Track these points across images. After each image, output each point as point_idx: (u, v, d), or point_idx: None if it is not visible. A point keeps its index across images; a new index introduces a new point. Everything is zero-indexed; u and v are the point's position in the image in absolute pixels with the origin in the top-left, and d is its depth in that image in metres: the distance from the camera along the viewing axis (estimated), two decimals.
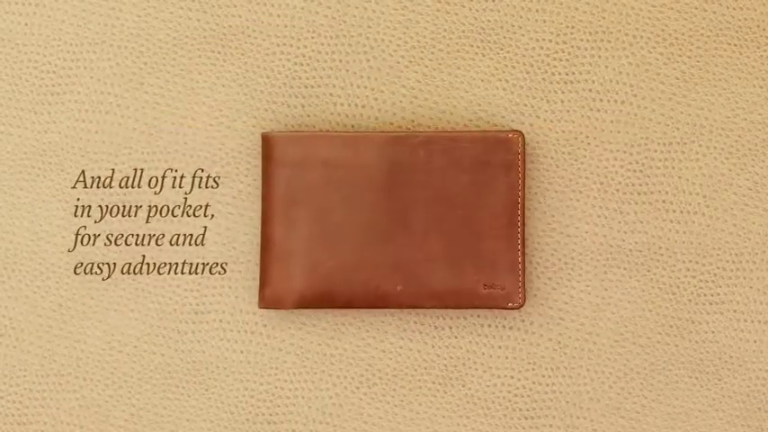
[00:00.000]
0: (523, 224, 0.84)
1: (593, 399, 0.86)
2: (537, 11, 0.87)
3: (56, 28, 0.88)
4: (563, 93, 0.87)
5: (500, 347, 0.87)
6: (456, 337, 0.87)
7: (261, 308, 0.85)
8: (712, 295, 0.86)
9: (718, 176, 0.87)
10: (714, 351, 0.86)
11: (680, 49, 0.87)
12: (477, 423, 0.86)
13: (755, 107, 0.87)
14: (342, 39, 0.87)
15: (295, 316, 0.87)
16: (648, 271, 0.86)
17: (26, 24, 0.88)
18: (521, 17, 0.87)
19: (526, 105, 0.87)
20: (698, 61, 0.87)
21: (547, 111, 0.87)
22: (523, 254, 0.84)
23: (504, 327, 0.87)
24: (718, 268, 0.86)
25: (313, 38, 0.87)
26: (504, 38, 0.87)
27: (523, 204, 0.84)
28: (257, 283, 0.87)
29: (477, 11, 0.87)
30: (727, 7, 0.87)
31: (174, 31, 0.87)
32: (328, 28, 0.87)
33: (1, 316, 0.87)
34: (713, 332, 0.86)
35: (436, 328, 0.87)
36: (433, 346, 0.87)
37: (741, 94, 0.87)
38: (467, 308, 0.84)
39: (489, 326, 0.87)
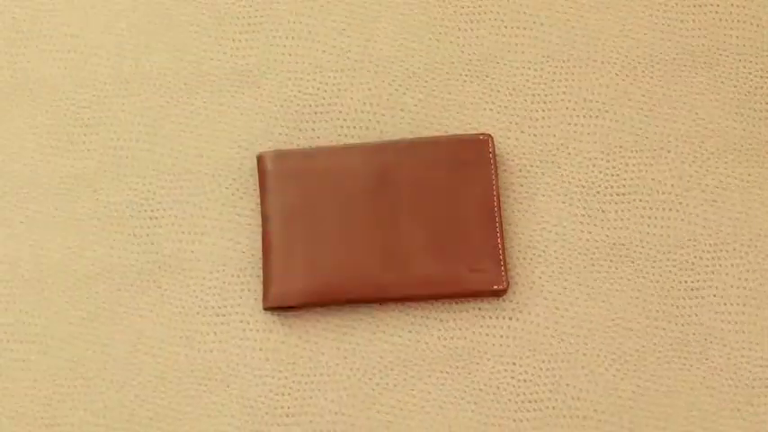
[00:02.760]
0: (500, 213, 0.93)
1: (591, 381, 0.92)
2: (516, 44, 1.00)
3: (91, 70, 0.99)
4: (543, 111, 0.98)
5: (502, 337, 0.93)
6: (460, 329, 0.93)
7: (265, 308, 0.92)
8: (692, 282, 0.94)
9: (687, 177, 0.97)
10: (699, 333, 0.93)
11: (642, 72, 0.99)
12: (485, 408, 0.91)
13: (713, 117, 0.98)
14: (346, 72, 0.99)
15: (309, 315, 0.93)
16: (633, 262, 0.94)
17: (65, 68, 0.99)
18: (501, 49, 0.99)
19: (512, 123, 0.98)
20: (659, 81, 0.99)
21: (530, 126, 0.98)
22: (503, 240, 0.92)
23: (504, 317, 0.93)
24: (694, 258, 0.95)
25: (320, 72, 0.99)
26: (489, 67, 0.99)
27: (498, 196, 0.93)
28: None
29: (464, 45, 1.00)
30: (682, 36, 1.00)
31: (198, 69, 0.99)
32: (334, 63, 0.99)
33: (33, 325, 0.93)
34: (696, 315, 0.93)
35: (441, 321, 0.93)
36: (439, 338, 0.93)
37: (699, 108, 0.98)
38: (456, 292, 0.91)
39: (491, 317, 0.93)
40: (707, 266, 0.94)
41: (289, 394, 0.92)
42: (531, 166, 0.97)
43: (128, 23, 1.01)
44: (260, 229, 0.95)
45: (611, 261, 0.95)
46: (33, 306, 0.94)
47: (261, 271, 0.94)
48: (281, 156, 0.94)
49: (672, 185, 0.96)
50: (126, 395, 0.92)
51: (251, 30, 1.00)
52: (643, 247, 0.95)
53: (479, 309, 0.94)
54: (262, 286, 0.94)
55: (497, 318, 0.94)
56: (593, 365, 0.92)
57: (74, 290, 0.94)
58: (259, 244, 0.95)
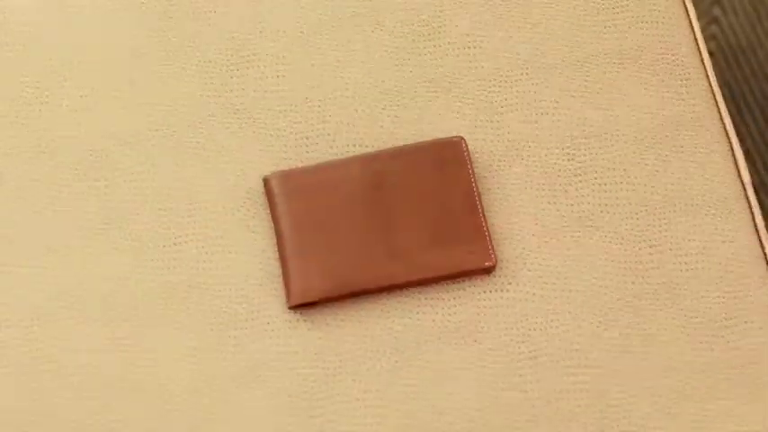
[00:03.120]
0: (481, 201, 1.07)
1: (582, 334, 1.06)
2: (469, 61, 1.15)
3: (97, 127, 1.10)
4: (503, 114, 1.13)
5: (498, 307, 1.06)
6: (461, 306, 1.06)
7: (289, 307, 1.03)
8: (651, 240, 1.09)
9: (631, 154, 1.12)
10: (665, 282, 1.08)
11: (579, 71, 1.15)
12: (494, 369, 1.04)
13: (645, 102, 1.14)
14: (327, 100, 1.13)
15: (327, 310, 1.05)
16: (598, 230, 1.09)
17: (74, 128, 1.10)
18: (459, 66, 1.15)
19: (477, 127, 1.13)
20: (595, 76, 1.15)
21: (494, 128, 1.13)
22: (486, 223, 1.06)
23: (496, 290, 1.07)
24: (649, 220, 1.10)
25: (305, 103, 1.13)
26: (450, 83, 1.14)
27: (477, 187, 1.07)
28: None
29: (426, 66, 1.15)
30: (607, 37, 1.17)
31: (198, 112, 1.11)
32: (315, 94, 1.13)
33: (83, 351, 1.02)
34: (659, 268, 1.08)
35: (443, 300, 1.06)
36: (444, 315, 1.06)
37: (633, 95, 1.15)
38: (453, 273, 1.04)
39: (485, 292, 1.07)
40: (660, 226, 1.10)
41: (324, 382, 1.03)
42: (500, 160, 1.12)
43: (126, 81, 1.13)
44: (274, 243, 1.07)
45: (580, 232, 1.09)
46: (80, 334, 1.03)
47: (280, 278, 1.06)
48: (285, 175, 1.07)
49: (619, 162, 1.12)
50: (169, 401, 1.01)
51: (239, 74, 1.14)
52: (604, 216, 1.10)
53: (474, 286, 1.07)
54: (283, 290, 1.05)
55: (490, 291, 1.07)
56: (579, 321, 1.06)
57: (109, 317, 1.04)
58: (275, 255, 1.07)
